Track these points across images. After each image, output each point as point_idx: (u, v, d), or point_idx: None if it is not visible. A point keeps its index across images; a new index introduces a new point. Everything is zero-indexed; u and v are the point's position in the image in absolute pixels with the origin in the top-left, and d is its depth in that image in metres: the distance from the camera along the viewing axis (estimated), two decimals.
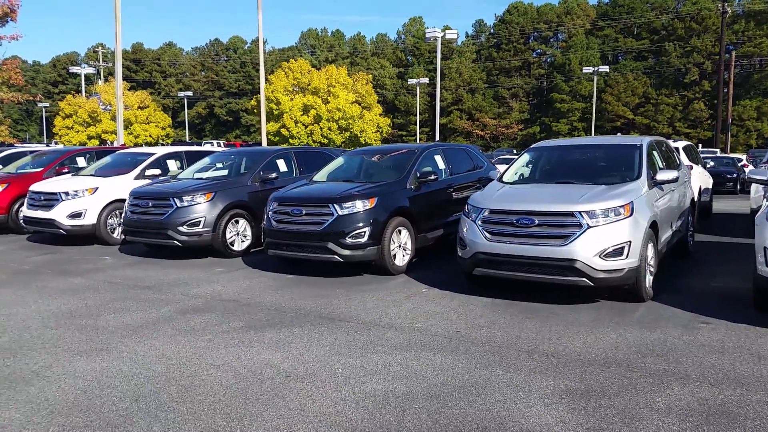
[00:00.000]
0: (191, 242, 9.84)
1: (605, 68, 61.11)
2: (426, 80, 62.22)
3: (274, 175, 10.89)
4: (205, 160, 12.04)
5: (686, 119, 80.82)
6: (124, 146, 17.69)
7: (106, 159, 13.32)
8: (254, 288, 7.98)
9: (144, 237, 10.16)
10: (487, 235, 6.81)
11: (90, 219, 11.30)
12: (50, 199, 11.44)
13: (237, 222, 10.28)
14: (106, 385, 4.71)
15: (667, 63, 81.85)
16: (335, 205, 8.13)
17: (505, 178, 8.08)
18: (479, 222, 6.93)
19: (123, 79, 62.22)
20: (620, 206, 6.39)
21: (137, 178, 12.03)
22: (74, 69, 53.84)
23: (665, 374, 4.69)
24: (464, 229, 7.14)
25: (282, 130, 41.19)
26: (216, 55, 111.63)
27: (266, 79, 34.94)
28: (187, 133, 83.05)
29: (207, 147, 16.30)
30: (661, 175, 7.34)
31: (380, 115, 45.67)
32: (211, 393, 4.53)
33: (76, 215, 11.24)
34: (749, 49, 78.30)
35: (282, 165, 11.47)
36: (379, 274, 8.51)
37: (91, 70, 55.62)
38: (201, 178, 10.91)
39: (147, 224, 9.98)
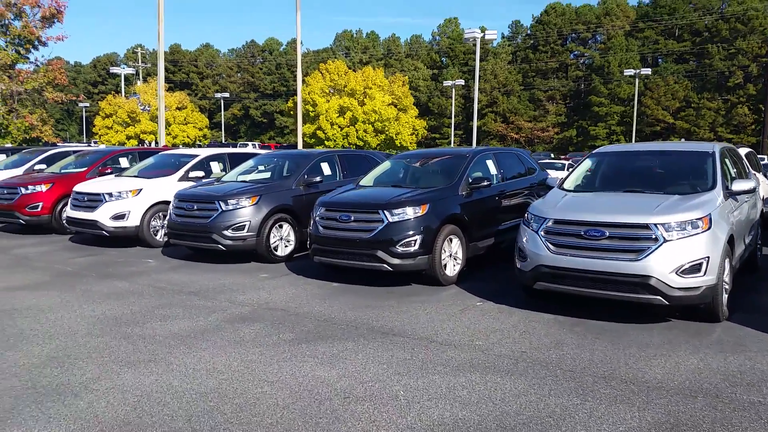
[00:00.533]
0: (235, 247, 9.64)
1: (647, 71, 59.82)
2: (462, 82, 61.72)
3: (318, 178, 10.65)
4: (249, 163, 11.86)
5: (729, 124, 78.65)
6: (166, 147, 17.69)
7: (149, 160, 13.25)
8: (301, 296, 7.72)
9: (188, 240, 10.00)
10: (551, 246, 6.42)
11: (133, 221, 11.20)
12: (94, 200, 11.37)
13: (281, 226, 10.06)
14: (156, 402, 4.47)
15: (710, 66, 79.79)
16: (385, 211, 7.82)
17: (566, 185, 7.67)
18: (542, 233, 6.55)
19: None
20: (698, 219, 5.95)
21: (181, 180, 11.91)
22: (114, 69, 54.70)
23: (762, 407, 4.27)
24: (524, 240, 6.77)
25: (318, 132, 41.09)
26: (252, 57, 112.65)
27: (303, 81, 34.90)
28: (222, 134, 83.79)
29: (245, 149, 16.14)
30: (737, 185, 6.87)
31: (416, 117, 45.29)
32: (267, 414, 4.26)
33: (119, 216, 11.15)
34: None
35: (326, 168, 11.22)
36: (428, 285, 8.18)
37: (130, 71, 56.44)
38: (245, 181, 10.73)
39: (191, 227, 9.81)
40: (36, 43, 24.24)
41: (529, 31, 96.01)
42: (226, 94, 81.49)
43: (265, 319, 6.70)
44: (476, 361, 5.28)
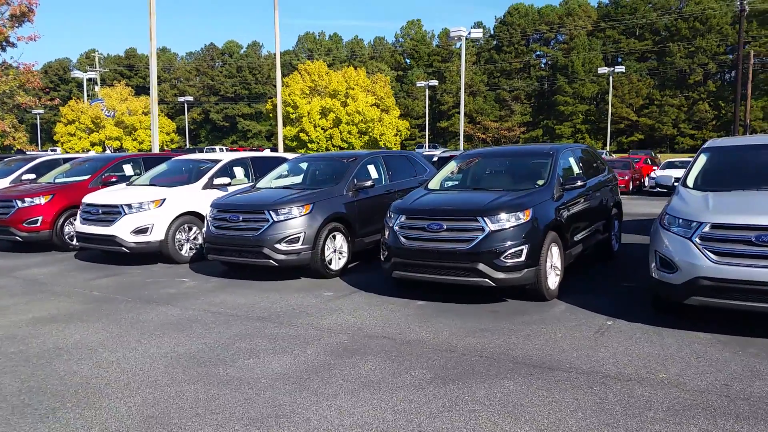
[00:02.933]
0: (288, 261, 8.51)
1: (621, 68, 60.00)
2: (435, 82, 60.99)
3: (369, 183, 9.60)
4: (283, 168, 10.73)
5: (691, 120, 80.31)
6: (169, 152, 16.32)
7: (162, 167, 11.93)
8: (392, 319, 6.67)
9: (232, 256, 8.81)
10: (711, 255, 5.54)
11: (157, 235, 9.94)
12: (111, 213, 10.06)
13: (334, 237, 8.96)
14: None
15: (671, 64, 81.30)
16: (485, 218, 6.83)
17: (688, 182, 6.83)
18: (697, 239, 5.66)
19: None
20: None
21: (205, 187, 10.68)
22: (76, 74, 52.11)
23: None
24: (670, 248, 5.87)
25: (301, 134, 39.66)
26: (211, 60, 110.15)
27: (282, 83, 33.59)
28: (187, 139, 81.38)
29: (213, 154, 14.93)
30: None
31: (398, 117, 44.36)
32: None
33: (141, 231, 9.87)
34: (754, 48, 78.00)
35: (373, 171, 10.18)
36: (529, 300, 7.22)
37: (93, 75, 53.90)
38: (289, 188, 9.61)
39: (237, 241, 8.63)
40: (4, 43, 22.36)
41: (492, 32, 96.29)
42: (191, 98, 78.95)
43: (374, 350, 5.63)
44: (691, 402, 4.33)
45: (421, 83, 62.96)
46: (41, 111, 74.33)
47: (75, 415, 4.37)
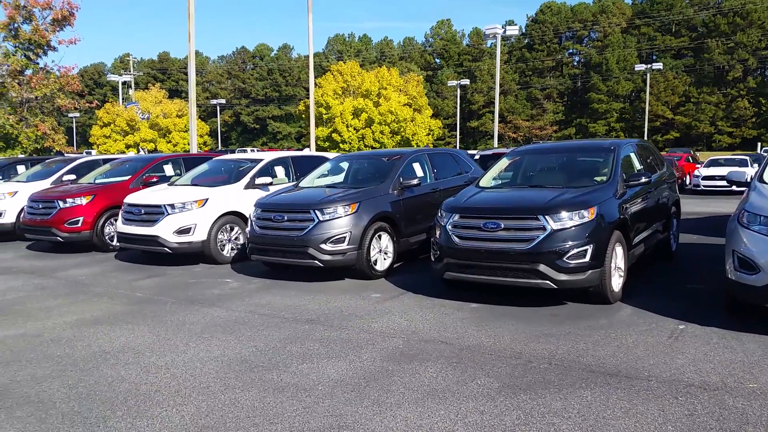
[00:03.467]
0: (334, 262, 8.25)
1: (658, 65, 58.68)
2: (467, 81, 60.40)
3: (415, 181, 9.29)
4: (325, 167, 10.50)
5: (729, 118, 78.30)
6: (208, 152, 16.21)
7: (203, 167, 11.79)
8: (447, 323, 6.34)
9: (276, 256, 8.57)
10: None
11: (200, 235, 9.77)
12: (153, 213, 9.92)
13: (380, 237, 8.67)
14: None
15: (709, 60, 79.36)
16: (546, 216, 6.47)
17: (766, 178, 6.38)
18: None
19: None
20: None
21: (247, 187, 10.49)
22: (112, 77, 52.88)
23: None
24: (751, 247, 5.45)
25: (333, 135, 39.54)
26: (242, 63, 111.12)
27: (315, 83, 33.44)
28: (219, 141, 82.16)
29: (254, 153, 14.74)
30: None
31: (431, 117, 43.95)
32: None
33: (184, 231, 9.71)
34: None
35: (418, 169, 9.87)
36: (591, 303, 6.83)
37: (128, 78, 54.67)
38: (334, 187, 9.36)
39: (282, 241, 8.39)
40: (45, 47, 22.60)
41: (524, 30, 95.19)
42: (223, 101, 79.66)
43: (433, 356, 5.32)
44: None
45: (452, 83, 62.42)
46: (77, 114, 75.79)
47: (126, 425, 4.14)
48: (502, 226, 6.61)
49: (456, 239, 6.92)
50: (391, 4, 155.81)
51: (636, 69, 62.74)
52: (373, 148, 38.72)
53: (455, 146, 63.63)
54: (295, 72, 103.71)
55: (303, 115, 42.53)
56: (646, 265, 8.71)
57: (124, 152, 44.29)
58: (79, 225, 11.27)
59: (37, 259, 11.23)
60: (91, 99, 24.45)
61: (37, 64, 23.02)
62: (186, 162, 13.08)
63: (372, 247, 8.50)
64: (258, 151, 53.08)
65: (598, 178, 7.58)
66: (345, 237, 8.21)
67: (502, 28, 34.41)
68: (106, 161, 14.83)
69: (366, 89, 40.40)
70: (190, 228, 9.72)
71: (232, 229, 10.21)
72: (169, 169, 12.86)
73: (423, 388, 4.59)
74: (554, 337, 5.72)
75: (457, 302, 7.13)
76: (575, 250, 6.34)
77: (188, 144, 49.49)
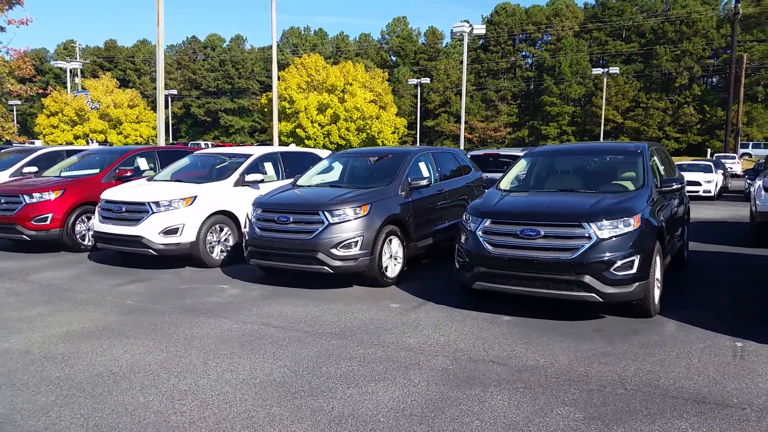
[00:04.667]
0: (345, 268, 7.65)
1: (615, 69, 59.86)
2: (428, 80, 60.14)
3: (424, 182, 8.78)
4: (323, 164, 9.85)
5: (676, 123, 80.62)
6: (181, 146, 15.31)
7: (184, 161, 10.97)
8: (487, 338, 5.85)
9: (280, 261, 7.90)
10: None
11: (188, 236, 9.00)
12: (136, 211, 9.09)
13: (390, 242, 8.12)
14: None
15: (657, 67, 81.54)
16: (591, 224, 6.06)
17: None
18: None
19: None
20: None
21: (237, 185, 9.77)
22: (60, 64, 50.25)
23: None
24: None
25: (298, 130, 38.45)
26: (193, 53, 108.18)
27: (279, 78, 32.36)
28: (170, 134, 79.71)
29: (240, 148, 14.04)
30: None
31: (395, 115, 43.38)
32: None
33: (171, 231, 8.92)
34: (738, 53, 78.56)
35: (424, 169, 9.36)
36: (629, 316, 6.47)
37: (77, 65, 52.16)
38: (338, 186, 8.75)
39: (287, 245, 7.73)
40: None
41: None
42: (174, 91, 77.32)
43: (491, 379, 4.82)
44: None
45: (412, 81, 62.04)
46: (18, 102, 72.26)
47: None
48: (542, 233, 6.17)
49: (488, 246, 6.43)
50: None
51: (594, 72, 63.76)
52: (338, 145, 38.00)
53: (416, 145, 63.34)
54: (249, 64, 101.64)
55: (265, 109, 41.36)
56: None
57: (72, 143, 42.19)
58: (48, 222, 10.31)
59: (1, 260, 10.20)
60: (31, 86, 22.82)
61: None
62: (161, 155, 12.19)
63: (383, 252, 7.94)
64: (211, 145, 51.55)
65: (625, 183, 7.23)
66: (357, 241, 7.63)
67: (470, 26, 34.23)
68: (69, 153, 13.77)
69: (331, 84, 39.55)
70: (178, 228, 8.94)
71: (221, 229, 9.48)
72: (143, 163, 11.96)
73: (501, 421, 4.08)
74: (613, 357, 5.30)
75: (487, 314, 6.65)
76: (622, 261, 5.94)
77: (140, 136, 47.74)
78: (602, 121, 65.24)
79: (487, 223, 6.56)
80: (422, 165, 9.36)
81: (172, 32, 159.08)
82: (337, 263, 7.58)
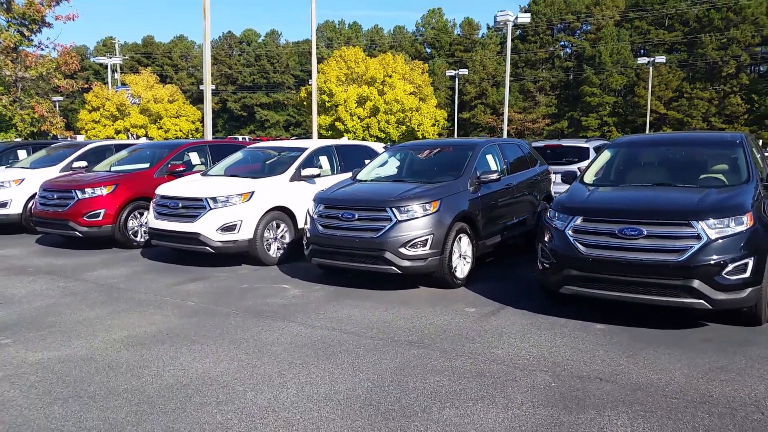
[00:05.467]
0: (414, 269, 7.17)
1: (661, 59, 58.17)
2: (465, 71, 59.33)
3: (494, 176, 8.23)
4: (383, 157, 9.38)
5: (721, 114, 78.15)
6: (231, 140, 15.03)
7: (237, 155, 10.62)
8: (585, 350, 5.31)
9: (344, 260, 7.44)
10: None
11: (245, 233, 8.63)
12: (193, 207, 8.75)
13: (460, 240, 7.61)
14: None
15: (702, 56, 79.07)
16: (701, 222, 5.46)
17: None
18: None
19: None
20: None
21: (293, 179, 9.37)
22: (101, 60, 50.81)
23: None
24: None
25: (336, 123, 38.12)
26: (229, 48, 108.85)
27: (318, 70, 31.96)
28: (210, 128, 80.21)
29: (294, 141, 13.63)
30: None
31: (435, 107, 42.67)
32: None
33: (229, 228, 8.56)
34: None
35: (491, 162, 8.82)
36: (727, 323, 5.87)
37: (118, 61, 52.70)
38: (402, 181, 8.28)
39: (352, 243, 7.28)
40: (40, 23, 21.02)
41: (516, 21, 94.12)
42: (213, 86, 77.69)
43: (604, 400, 4.28)
44: None
45: (450, 72, 61.19)
46: (60, 98, 73.55)
47: None
48: (644, 233, 5.59)
49: (580, 247, 5.88)
50: None
51: (639, 62, 62.08)
52: (377, 138, 37.54)
53: (453, 137, 62.51)
54: (284, 59, 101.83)
55: (304, 103, 41.06)
56: None
57: (113, 138, 42.59)
58: (101, 218, 10.07)
59: (53, 257, 9.99)
60: (75, 82, 22.87)
61: (32, 41, 21.45)
62: (212, 150, 11.87)
63: (453, 251, 7.44)
64: (249, 139, 51.55)
65: (724, 176, 6.60)
66: (427, 240, 7.14)
67: (515, 15, 33.34)
68: (118, 147, 13.57)
69: (371, 76, 39.02)
70: (236, 225, 8.57)
71: (278, 226, 9.09)
72: (194, 158, 11.67)
73: None
74: (734, 373, 4.72)
75: (576, 321, 6.10)
76: (735, 264, 5.35)
77: (179, 131, 47.97)
78: (648, 111, 63.52)
79: (579, 221, 6.00)
80: (489, 158, 8.82)
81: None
82: (406, 263, 7.11)
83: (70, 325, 6.20)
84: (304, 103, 41.41)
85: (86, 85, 24.01)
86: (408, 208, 7.19)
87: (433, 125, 41.36)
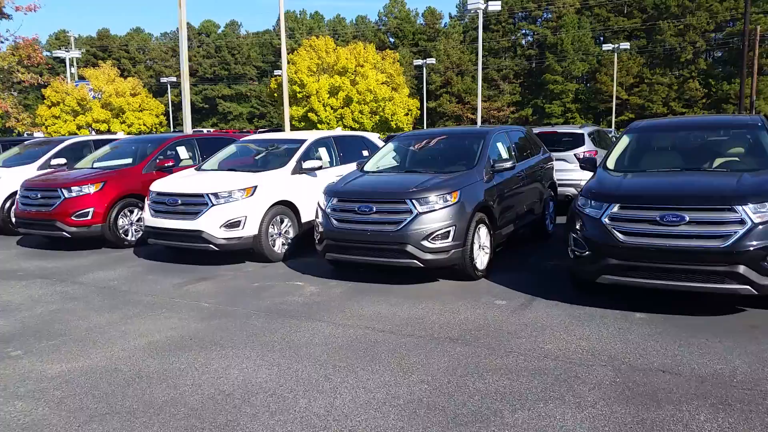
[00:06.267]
0: (436, 262, 6.94)
1: (625, 45, 58.97)
2: (432, 60, 59.12)
3: (509, 164, 8.06)
4: (389, 147, 9.10)
5: (681, 98, 79.81)
6: (218, 132, 14.50)
7: (230, 149, 10.20)
8: (636, 341, 5.15)
9: (362, 255, 7.15)
10: None
11: (250, 229, 8.26)
12: (194, 204, 8.34)
13: (479, 230, 7.40)
14: None
15: (661, 42, 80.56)
16: (744, 207, 5.33)
17: None
18: None
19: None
20: None
21: (294, 172, 9.02)
22: (59, 53, 48.90)
23: None
24: None
25: (309, 114, 37.44)
26: (188, 40, 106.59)
27: (288, 61, 31.24)
28: (171, 121, 78.60)
29: (290, 133, 13.30)
30: None
31: (407, 96, 42.31)
32: None
33: (233, 224, 8.18)
34: (742, 27, 77.58)
35: (502, 149, 8.62)
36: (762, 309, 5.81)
37: (76, 54, 50.87)
38: (415, 171, 8.01)
39: (369, 237, 7.00)
40: None
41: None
42: (173, 78, 76.11)
43: (675, 394, 4.12)
44: None
45: (418, 62, 60.97)
46: (14, 93, 70.90)
47: None
48: (687, 219, 5.45)
49: (619, 235, 5.71)
50: None
51: (604, 49, 62.87)
52: (352, 129, 36.99)
53: (423, 127, 62.30)
54: (245, 50, 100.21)
55: (275, 94, 40.30)
56: None
57: (76, 133, 41.17)
58: (90, 217, 9.56)
59: (41, 259, 9.45)
60: (37, 77, 21.86)
61: None
62: (200, 144, 11.41)
63: (473, 242, 7.23)
64: (211, 132, 50.46)
65: (752, 159, 6.51)
66: (449, 232, 6.91)
67: (485, 2, 33.25)
68: (97, 143, 12.97)
69: (342, 66, 38.45)
70: (240, 221, 8.20)
71: (282, 221, 8.75)
72: (182, 152, 11.19)
73: None
74: None
75: (615, 311, 5.94)
76: None
77: (143, 125, 46.65)
78: (613, 97, 64.46)
79: (615, 208, 5.83)
80: (500, 145, 8.62)
81: (165, 20, 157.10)
82: (429, 256, 6.86)
83: (81, 333, 5.80)
84: (275, 94, 40.67)
85: (46, 80, 22.90)
86: (428, 199, 6.94)
87: (407, 114, 41.10)
